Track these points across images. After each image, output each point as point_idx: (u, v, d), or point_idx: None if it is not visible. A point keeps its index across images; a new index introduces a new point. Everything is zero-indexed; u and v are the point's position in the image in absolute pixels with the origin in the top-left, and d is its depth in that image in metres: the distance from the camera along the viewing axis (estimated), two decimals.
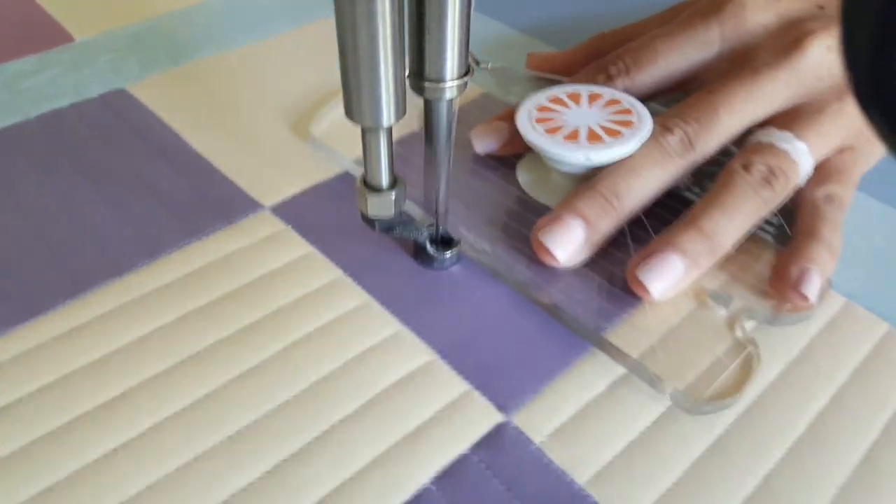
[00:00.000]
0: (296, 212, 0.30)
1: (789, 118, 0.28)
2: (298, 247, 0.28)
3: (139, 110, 0.36)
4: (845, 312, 0.27)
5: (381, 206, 0.24)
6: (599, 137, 0.27)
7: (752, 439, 0.23)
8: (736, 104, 0.28)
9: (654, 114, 0.29)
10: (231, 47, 0.41)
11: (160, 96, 0.37)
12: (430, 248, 0.27)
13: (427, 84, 0.22)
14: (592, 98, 0.30)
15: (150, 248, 0.28)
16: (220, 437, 0.22)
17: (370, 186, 0.24)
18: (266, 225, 0.29)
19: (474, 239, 0.28)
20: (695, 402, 0.23)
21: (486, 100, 0.37)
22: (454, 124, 0.24)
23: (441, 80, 0.22)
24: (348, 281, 0.27)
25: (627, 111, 0.29)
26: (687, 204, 0.28)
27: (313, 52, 0.41)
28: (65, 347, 0.24)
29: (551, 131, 0.28)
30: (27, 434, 0.22)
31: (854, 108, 0.28)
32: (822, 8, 0.30)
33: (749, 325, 0.26)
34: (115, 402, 0.23)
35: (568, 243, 0.26)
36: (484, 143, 0.32)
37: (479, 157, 0.33)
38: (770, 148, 0.28)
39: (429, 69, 0.22)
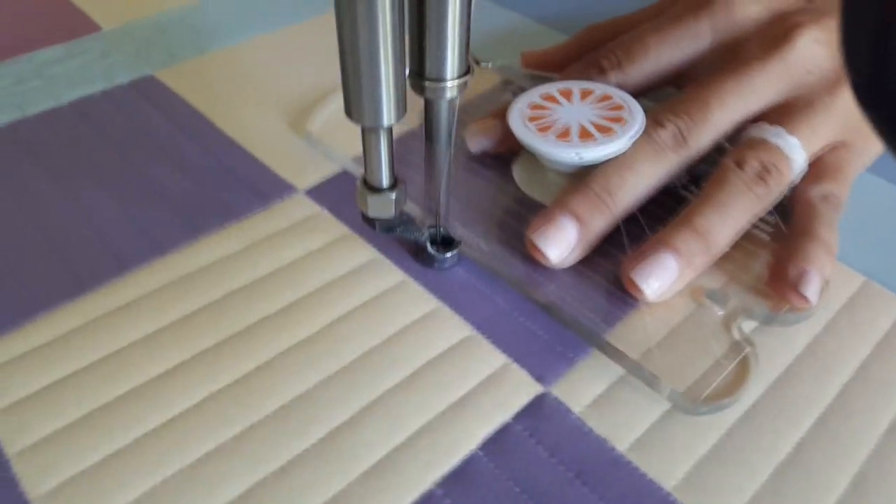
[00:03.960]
0: (329, 195, 0.31)
1: (780, 113, 0.29)
2: (334, 228, 0.29)
3: (168, 96, 0.37)
4: (863, 290, 0.28)
5: (382, 207, 0.24)
6: (591, 135, 0.28)
7: (761, 432, 0.24)
8: (727, 98, 0.28)
9: (645, 110, 0.29)
10: (249, 37, 0.42)
11: (188, 83, 0.38)
12: (430, 248, 0.27)
13: (427, 83, 0.22)
14: (584, 94, 0.30)
15: (191, 228, 0.29)
16: (272, 406, 0.23)
17: (370, 187, 0.24)
18: (301, 208, 0.30)
19: (471, 237, 0.29)
20: (692, 404, 0.23)
21: (483, 100, 0.37)
22: (455, 124, 0.24)
23: (441, 79, 0.22)
24: (385, 261, 0.28)
25: (619, 107, 0.29)
26: (682, 202, 0.29)
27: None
28: (112, 324, 0.25)
29: (543, 129, 0.28)
30: (83, 406, 0.23)
31: (845, 102, 0.29)
32: (810, 0, 0.31)
33: (747, 325, 0.26)
34: (168, 374, 0.24)
35: (560, 243, 0.26)
36: (477, 142, 0.32)
37: (476, 155, 0.33)
38: (762, 143, 0.28)
39: (429, 69, 0.22)
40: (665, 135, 0.28)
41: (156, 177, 0.31)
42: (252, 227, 0.29)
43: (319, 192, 0.31)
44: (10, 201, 0.30)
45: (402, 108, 0.21)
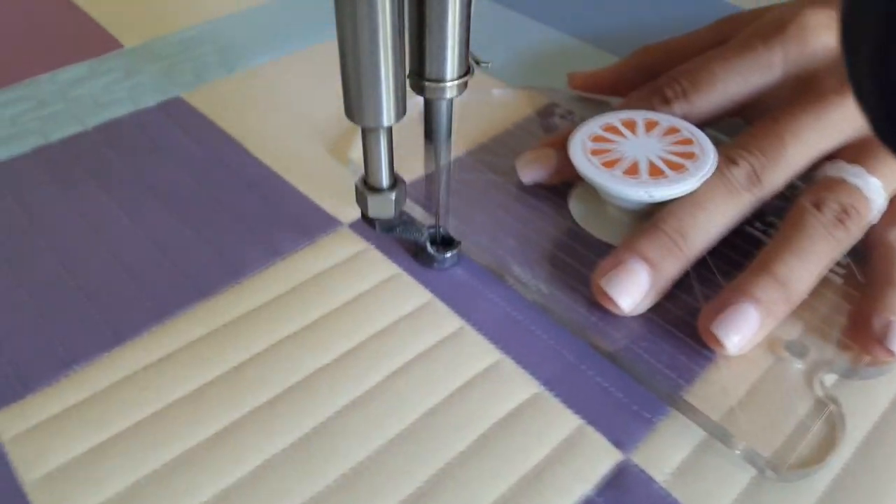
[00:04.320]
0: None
1: (859, 150, 0.27)
2: (384, 267, 0.27)
3: (198, 120, 0.35)
4: None
5: (381, 207, 0.24)
6: (661, 172, 0.26)
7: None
8: (803, 134, 0.26)
9: (714, 143, 0.27)
10: (278, 55, 0.40)
11: (217, 106, 0.36)
12: (430, 248, 0.27)
13: (427, 84, 0.22)
14: (649, 125, 0.28)
15: (233, 267, 0.27)
16: (334, 474, 0.21)
17: (370, 187, 0.24)
18: (347, 243, 0.28)
19: (528, 278, 0.27)
20: (780, 471, 0.22)
21: (529, 124, 0.35)
22: (453, 124, 0.24)
23: (441, 79, 0.22)
24: (439, 304, 0.26)
25: (688, 141, 0.27)
26: (748, 239, 0.27)
27: None
28: (155, 379, 0.23)
29: (608, 164, 0.26)
30: (127, 476, 0.21)
31: None
32: None
33: (828, 378, 0.25)
34: (220, 437, 0.22)
35: (632, 290, 0.25)
36: (531, 173, 0.30)
37: (527, 186, 0.31)
38: (841, 184, 0.26)
39: (429, 69, 0.22)
40: (739, 173, 0.26)
41: (190, 209, 0.30)
42: (297, 266, 0.27)
43: (364, 226, 0.29)
44: (35, 237, 0.28)
45: (402, 108, 0.21)
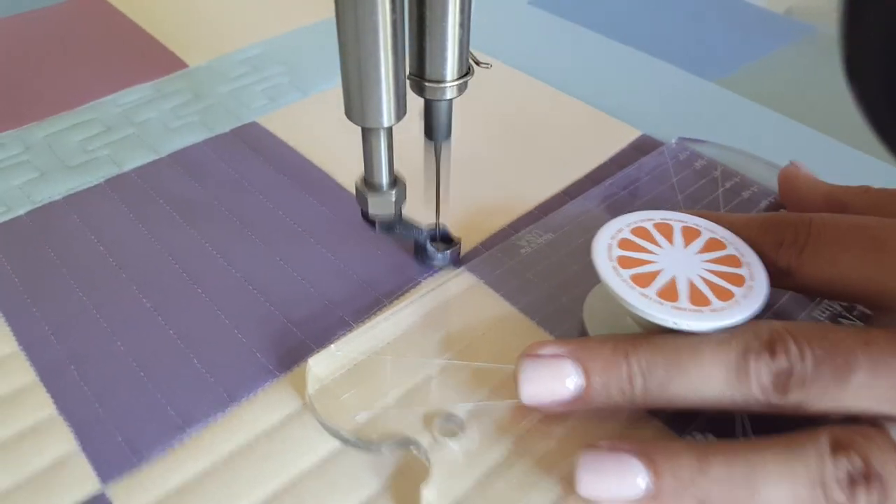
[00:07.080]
0: (484, 263, 0.27)
1: None
2: (495, 305, 0.25)
3: (280, 148, 0.33)
4: None
5: (381, 206, 0.25)
6: (705, 298, 0.21)
7: None
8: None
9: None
10: None
11: (298, 132, 0.34)
12: (429, 246, 0.27)
13: (427, 84, 0.22)
14: (688, 234, 0.23)
15: (346, 315, 0.25)
16: None
17: (370, 186, 0.24)
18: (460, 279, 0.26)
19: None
20: None
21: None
22: (452, 124, 0.24)
23: (441, 80, 0.22)
24: None
25: (734, 260, 0.22)
26: None
27: None
28: (279, 444, 0.21)
29: (641, 281, 0.21)
30: None
31: None
32: None
33: None
34: None
35: (548, 385, 0.21)
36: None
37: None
38: (887, 439, 0.18)
39: (429, 70, 0.22)
40: (765, 369, 0.19)
41: (285, 249, 0.27)
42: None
43: (468, 260, 0.27)
44: (126, 281, 0.26)
45: (402, 108, 0.22)
